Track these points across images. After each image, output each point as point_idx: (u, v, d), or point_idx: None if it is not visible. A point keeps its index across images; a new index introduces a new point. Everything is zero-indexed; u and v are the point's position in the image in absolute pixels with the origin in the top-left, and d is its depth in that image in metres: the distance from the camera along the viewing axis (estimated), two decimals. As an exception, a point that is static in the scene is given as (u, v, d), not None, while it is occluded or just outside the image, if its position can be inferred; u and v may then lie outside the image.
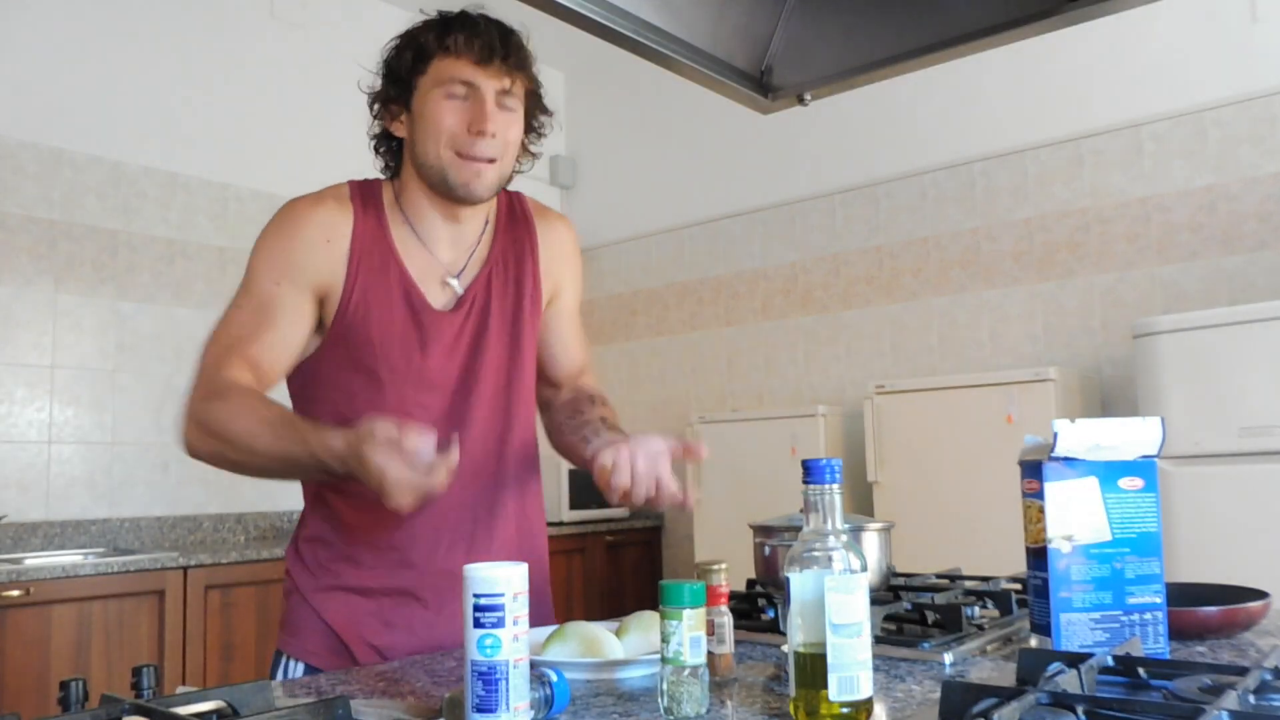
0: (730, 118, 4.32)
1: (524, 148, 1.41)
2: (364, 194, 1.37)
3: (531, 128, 1.40)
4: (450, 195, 1.33)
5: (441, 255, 1.37)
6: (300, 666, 1.33)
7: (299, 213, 1.32)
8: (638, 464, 1.21)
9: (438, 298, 1.36)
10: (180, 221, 3.63)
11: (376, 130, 1.39)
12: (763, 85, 1.73)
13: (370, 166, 1.44)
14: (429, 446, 1.07)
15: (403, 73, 1.31)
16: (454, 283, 1.37)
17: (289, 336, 1.30)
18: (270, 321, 1.28)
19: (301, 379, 1.36)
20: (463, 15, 1.31)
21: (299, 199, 1.35)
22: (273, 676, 1.33)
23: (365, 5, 4.22)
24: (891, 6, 1.63)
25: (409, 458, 1.05)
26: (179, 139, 3.64)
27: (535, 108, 1.39)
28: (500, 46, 1.29)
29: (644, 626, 1.20)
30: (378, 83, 1.36)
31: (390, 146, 1.39)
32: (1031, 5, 1.47)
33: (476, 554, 1.32)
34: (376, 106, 1.36)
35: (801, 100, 1.72)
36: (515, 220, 1.47)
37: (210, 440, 1.22)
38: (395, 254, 1.34)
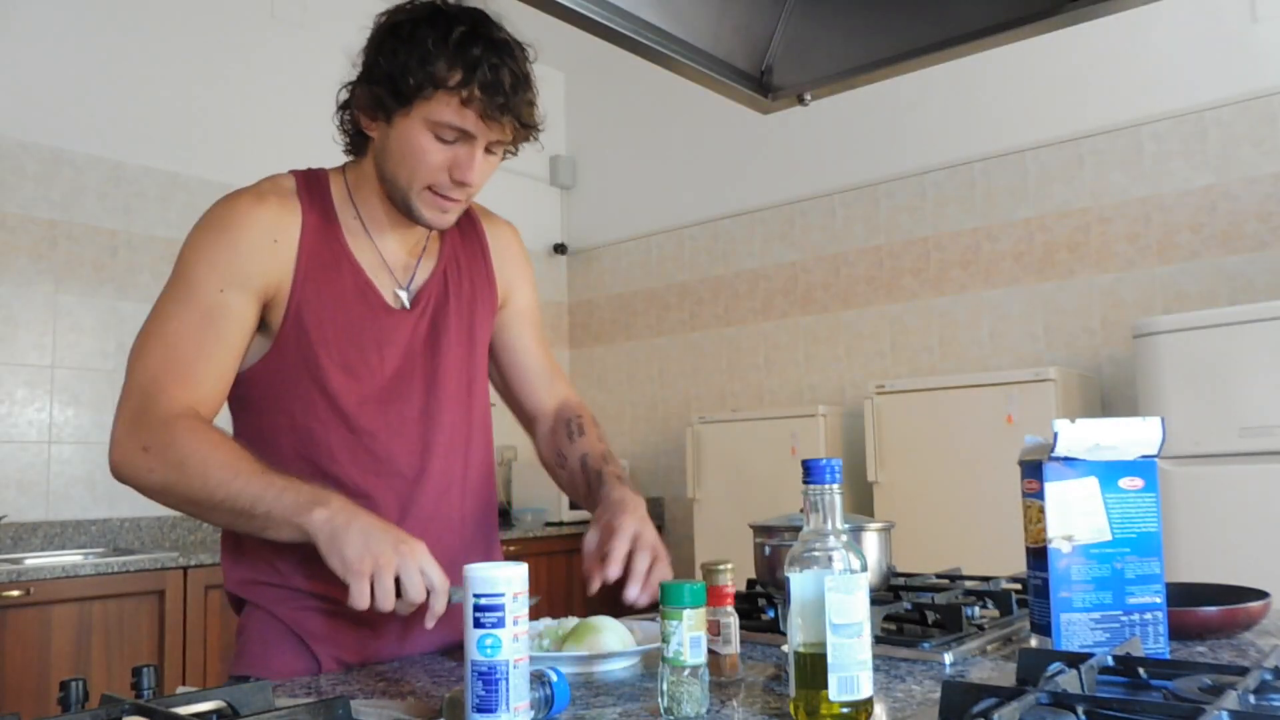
0: (730, 118, 4.33)
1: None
2: (310, 186, 1.28)
3: (509, 150, 1.31)
4: (411, 219, 1.27)
5: (390, 253, 1.31)
6: None
7: (240, 211, 1.22)
8: (636, 563, 1.22)
9: (393, 297, 1.30)
10: (180, 221, 3.62)
11: (347, 120, 1.29)
12: (763, 85, 1.73)
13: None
14: (453, 599, 1.09)
15: (401, 88, 1.19)
16: (402, 294, 1.31)
17: (234, 352, 1.22)
18: (216, 335, 1.19)
19: (246, 388, 1.26)
20: (485, 60, 1.17)
21: (238, 195, 1.24)
22: None
23: (365, 5, 4.21)
24: (891, 6, 1.63)
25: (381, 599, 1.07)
26: (179, 139, 3.64)
27: (521, 137, 1.28)
28: (512, 100, 1.19)
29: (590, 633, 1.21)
30: (365, 70, 1.24)
31: (355, 129, 1.29)
32: (1031, 5, 1.47)
33: (443, 558, 1.18)
34: (356, 92, 1.26)
35: (801, 100, 1.72)
36: (463, 219, 1.40)
37: (164, 471, 1.14)
38: (348, 251, 1.27)
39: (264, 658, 1.24)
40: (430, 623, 1.10)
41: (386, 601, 1.06)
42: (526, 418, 1.52)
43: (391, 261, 1.32)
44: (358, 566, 1.06)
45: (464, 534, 1.35)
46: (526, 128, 1.24)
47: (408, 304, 1.31)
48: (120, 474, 1.17)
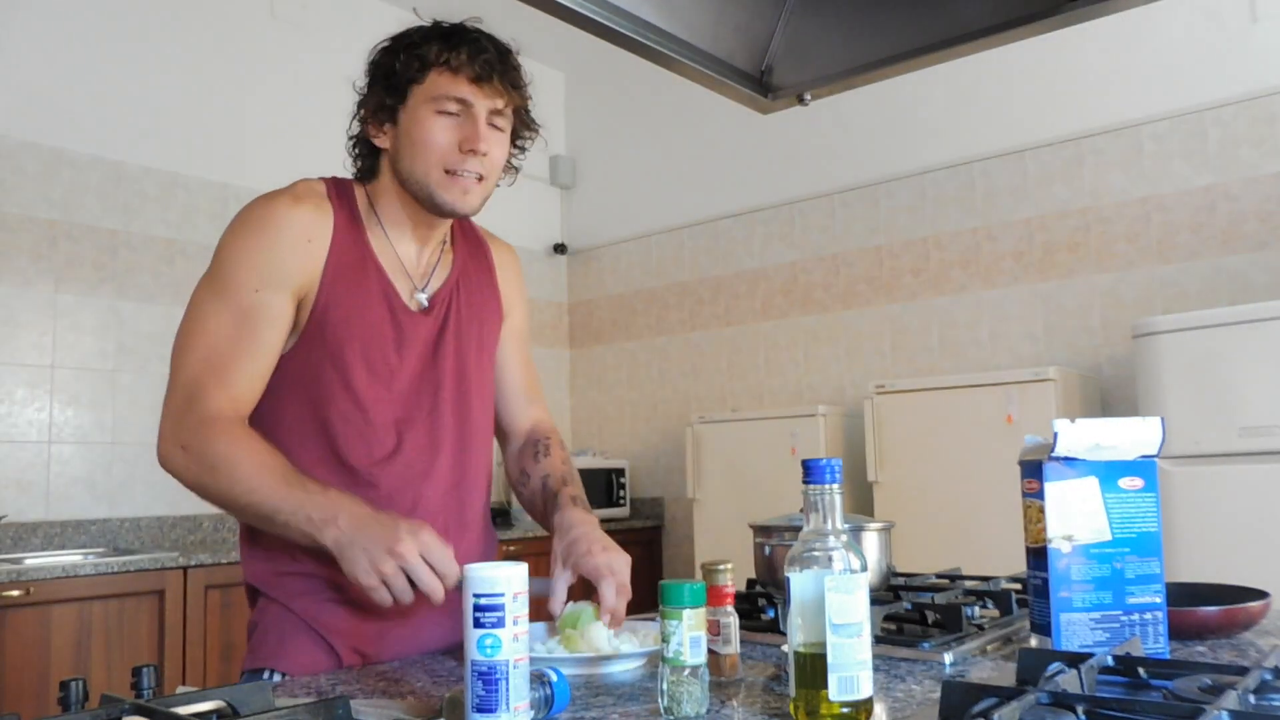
0: (730, 118, 4.33)
1: (508, 162, 1.41)
2: (339, 192, 1.35)
3: (515, 143, 1.40)
4: (437, 211, 1.33)
5: (409, 257, 1.37)
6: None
7: (278, 212, 1.28)
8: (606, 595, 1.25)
9: (409, 299, 1.36)
10: (180, 221, 3.63)
11: (355, 132, 1.37)
12: (763, 85, 1.73)
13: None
14: (454, 577, 1.14)
15: (397, 82, 1.28)
16: (420, 296, 1.37)
17: (271, 350, 1.27)
18: (253, 334, 1.24)
19: (272, 376, 1.31)
20: (463, 30, 1.30)
21: (275, 196, 1.30)
22: None
23: (365, 5, 4.22)
24: (891, 6, 1.63)
25: (394, 588, 1.13)
26: (179, 139, 3.64)
27: (522, 125, 1.39)
28: (499, 65, 1.28)
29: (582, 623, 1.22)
30: (366, 85, 1.34)
31: (367, 150, 1.37)
32: (1031, 5, 1.47)
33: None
34: (362, 111, 1.34)
35: (801, 100, 1.72)
36: (468, 236, 1.49)
37: (198, 471, 1.21)
38: (372, 253, 1.33)
39: (280, 650, 1.27)
40: (438, 599, 1.15)
41: (405, 599, 1.14)
42: (500, 433, 1.57)
43: (410, 265, 1.37)
44: (368, 581, 1.14)
45: (468, 530, 1.40)
46: (516, 89, 1.31)
47: (425, 304, 1.37)
48: (164, 467, 1.25)
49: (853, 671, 0.87)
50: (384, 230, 1.35)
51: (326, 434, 1.29)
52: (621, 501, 4.53)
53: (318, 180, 1.36)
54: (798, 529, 0.94)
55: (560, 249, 5.09)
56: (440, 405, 1.36)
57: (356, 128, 1.36)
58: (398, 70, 1.28)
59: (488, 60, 1.27)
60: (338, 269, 1.29)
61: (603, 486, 4.46)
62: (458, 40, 1.28)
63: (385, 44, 1.33)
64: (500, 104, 1.30)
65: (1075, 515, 1.13)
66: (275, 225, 1.27)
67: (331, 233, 1.30)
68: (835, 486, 0.92)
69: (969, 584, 1.55)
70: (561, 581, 1.29)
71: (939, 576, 1.63)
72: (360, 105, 1.34)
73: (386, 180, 1.35)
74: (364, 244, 1.33)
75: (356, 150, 1.38)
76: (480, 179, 1.31)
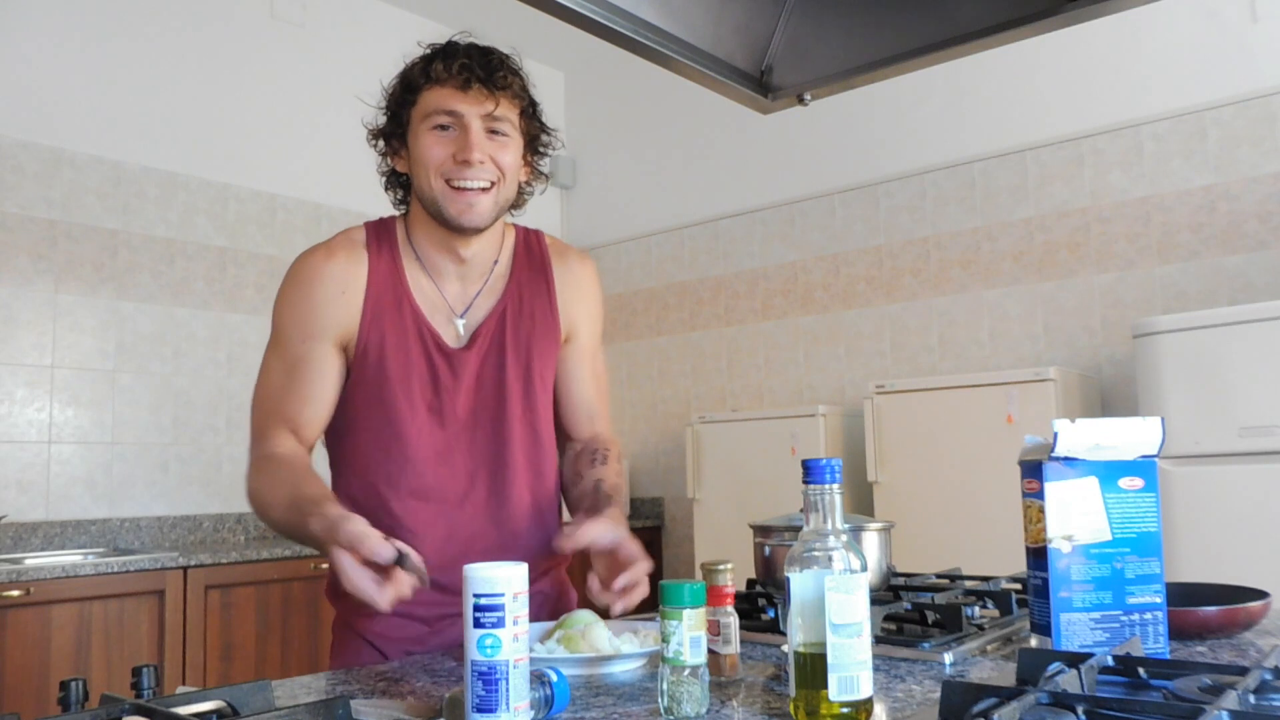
0: (730, 118, 4.33)
1: (531, 168, 1.41)
2: (379, 234, 1.40)
3: (533, 148, 1.40)
4: (449, 226, 1.34)
5: (449, 291, 1.40)
6: None
7: (313, 267, 1.36)
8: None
9: (450, 335, 1.39)
10: (180, 221, 3.63)
11: (385, 169, 1.42)
12: (763, 85, 1.73)
13: (364, 173, 1.44)
14: (387, 555, 1.08)
15: (395, 107, 1.35)
16: (459, 323, 1.39)
17: (322, 392, 1.35)
18: (303, 380, 1.34)
19: (335, 418, 1.40)
20: (446, 44, 1.33)
21: (312, 252, 1.37)
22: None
23: (365, 5, 4.22)
24: (891, 6, 1.63)
25: (365, 561, 1.09)
26: (179, 139, 3.64)
27: (533, 127, 1.38)
28: (480, 69, 1.29)
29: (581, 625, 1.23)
30: (380, 119, 1.39)
31: (399, 181, 1.42)
32: (1031, 5, 1.47)
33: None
34: (380, 144, 1.40)
35: (801, 100, 1.72)
36: (531, 258, 1.47)
37: (252, 501, 1.32)
38: (408, 292, 1.37)
39: (341, 659, 1.40)
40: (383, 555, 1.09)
41: (381, 600, 1.08)
42: (560, 441, 1.56)
43: (450, 296, 1.40)
44: (350, 590, 1.10)
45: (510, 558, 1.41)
46: (506, 89, 1.31)
47: (462, 333, 1.39)
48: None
49: (853, 671, 0.87)
50: (420, 263, 1.39)
51: (371, 467, 1.36)
52: (621, 501, 4.53)
53: (359, 227, 1.41)
54: (798, 529, 0.94)
55: (560, 249, 5.09)
56: (477, 438, 1.39)
57: (384, 165, 1.41)
58: (395, 97, 1.35)
59: (467, 66, 1.29)
60: (375, 312, 1.35)
61: (603, 486, 4.45)
62: (439, 54, 1.32)
63: (394, 79, 1.38)
64: (492, 107, 1.30)
65: (1075, 515, 1.13)
66: (309, 281, 1.35)
67: (366, 280, 1.35)
68: (835, 486, 0.92)
69: (969, 584, 1.55)
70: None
71: (939, 576, 1.63)
72: (374, 138, 1.40)
73: (416, 207, 1.39)
74: (401, 284, 1.37)
75: (388, 182, 1.43)
76: (487, 189, 1.31)
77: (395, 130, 1.36)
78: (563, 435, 1.55)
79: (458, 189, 1.30)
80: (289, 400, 1.34)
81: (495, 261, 1.43)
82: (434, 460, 1.36)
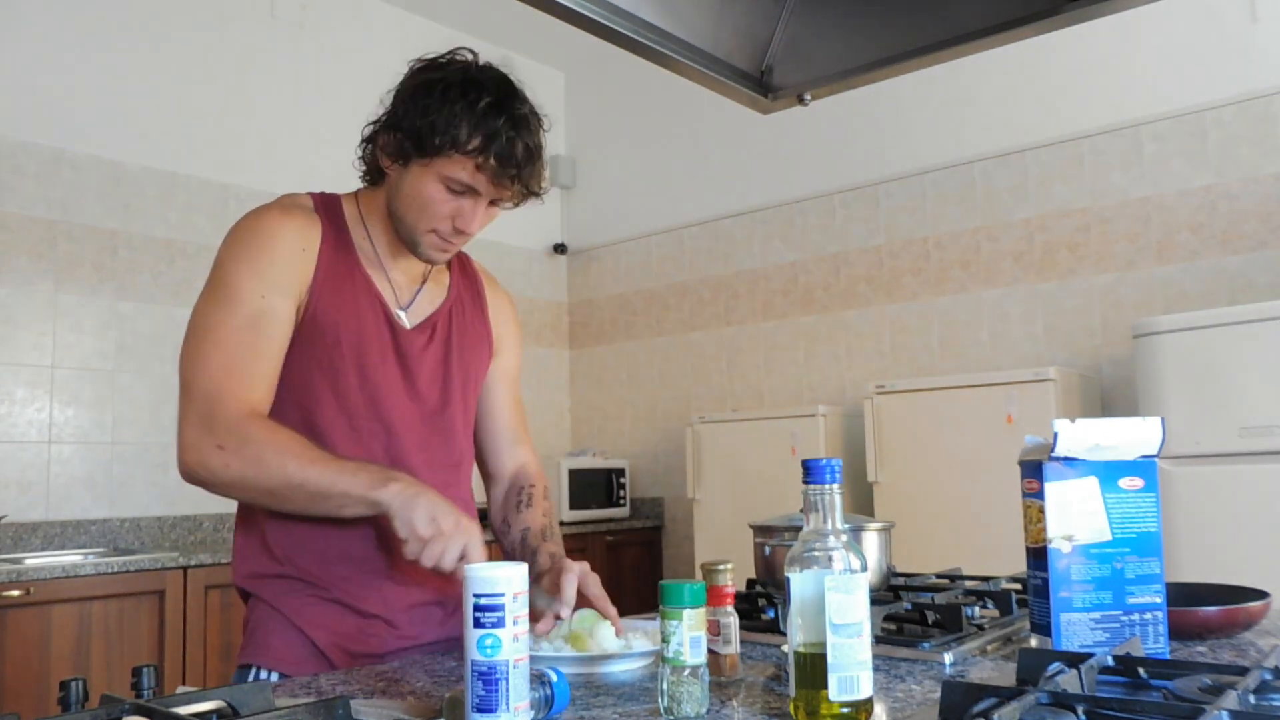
0: (730, 118, 4.33)
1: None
2: (326, 207, 1.39)
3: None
4: (413, 253, 1.38)
5: (395, 275, 1.40)
6: (274, 677, 1.29)
7: (273, 223, 1.32)
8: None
9: (397, 315, 1.39)
10: (180, 221, 3.63)
11: (368, 136, 1.36)
12: (763, 85, 1.73)
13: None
14: (448, 562, 1.16)
15: (426, 144, 1.27)
16: (401, 314, 1.39)
17: (281, 352, 1.31)
18: (265, 338, 1.28)
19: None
20: (504, 133, 1.26)
21: (266, 209, 1.34)
22: None
23: (365, 5, 4.22)
24: (891, 6, 1.63)
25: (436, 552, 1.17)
26: (179, 139, 3.64)
27: (531, 197, 1.38)
28: (523, 171, 1.30)
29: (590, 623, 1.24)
30: (392, 110, 1.31)
31: (374, 162, 1.38)
32: (1031, 5, 1.47)
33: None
34: (379, 137, 1.33)
35: (801, 100, 1.72)
36: (466, 273, 1.53)
37: (240, 465, 1.22)
38: (360, 266, 1.36)
39: (267, 647, 1.31)
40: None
41: (446, 561, 1.17)
42: (485, 474, 1.61)
43: (395, 283, 1.40)
44: (423, 531, 1.17)
45: None
46: (531, 194, 1.35)
47: (407, 324, 1.40)
48: (194, 474, 1.25)
49: (853, 671, 0.87)
50: (371, 245, 1.39)
51: (314, 438, 1.29)
52: (621, 502, 4.53)
53: (304, 195, 1.40)
54: (798, 529, 0.94)
55: (560, 249, 5.09)
56: (427, 418, 1.39)
57: (368, 130, 1.36)
58: (429, 135, 1.26)
59: (514, 170, 1.28)
60: (326, 276, 1.33)
61: (603, 486, 4.46)
62: (492, 133, 1.25)
63: (426, 76, 1.30)
64: (507, 196, 1.33)
65: (1075, 515, 1.13)
66: (270, 235, 1.31)
67: (319, 242, 1.34)
68: (835, 486, 0.92)
69: (969, 584, 1.55)
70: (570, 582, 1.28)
71: (939, 576, 1.63)
72: (381, 127, 1.33)
73: (381, 198, 1.38)
74: (351, 256, 1.36)
75: (365, 156, 1.39)
76: (460, 243, 1.36)
77: (412, 154, 1.29)
78: (485, 467, 1.58)
79: (443, 241, 1.34)
80: (253, 360, 1.27)
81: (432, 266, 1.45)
82: (384, 434, 1.34)
